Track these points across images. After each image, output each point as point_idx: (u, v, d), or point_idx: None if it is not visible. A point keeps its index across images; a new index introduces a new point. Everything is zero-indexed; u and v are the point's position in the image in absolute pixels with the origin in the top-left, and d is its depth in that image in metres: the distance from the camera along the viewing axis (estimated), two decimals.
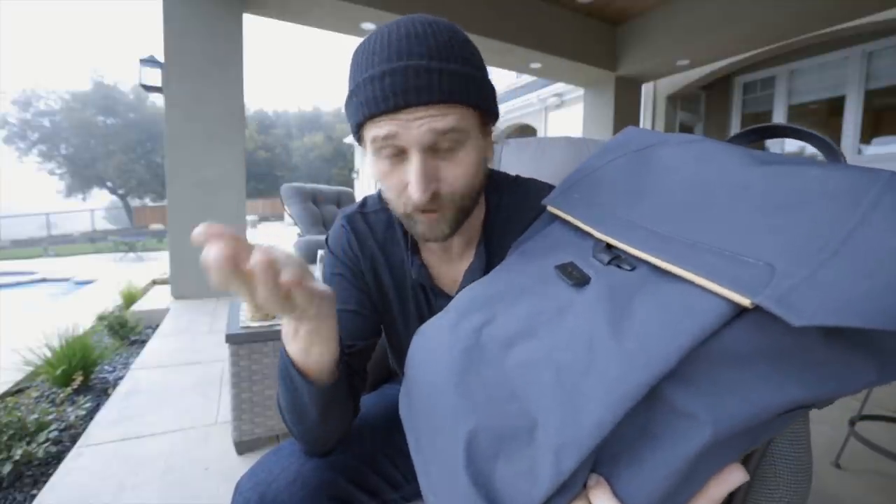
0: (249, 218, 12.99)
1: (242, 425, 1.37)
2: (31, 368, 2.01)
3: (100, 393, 1.92)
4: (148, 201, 23.60)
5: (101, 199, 25.02)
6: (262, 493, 0.48)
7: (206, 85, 3.21)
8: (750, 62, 4.74)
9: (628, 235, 0.32)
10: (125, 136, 22.65)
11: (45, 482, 1.26)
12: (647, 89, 5.64)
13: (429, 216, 0.47)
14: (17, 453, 1.32)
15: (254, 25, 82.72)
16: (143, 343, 2.57)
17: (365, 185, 15.66)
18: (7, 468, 1.29)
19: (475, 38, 0.48)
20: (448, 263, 0.58)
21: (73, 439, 1.49)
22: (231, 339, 1.31)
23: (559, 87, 7.01)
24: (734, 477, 0.25)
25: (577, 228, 0.39)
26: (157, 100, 12.62)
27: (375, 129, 0.44)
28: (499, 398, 0.29)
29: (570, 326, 0.29)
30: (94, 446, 1.42)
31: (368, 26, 3.80)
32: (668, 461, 0.23)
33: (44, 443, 1.41)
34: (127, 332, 2.68)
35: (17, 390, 1.95)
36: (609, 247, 0.33)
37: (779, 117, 5.18)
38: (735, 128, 5.69)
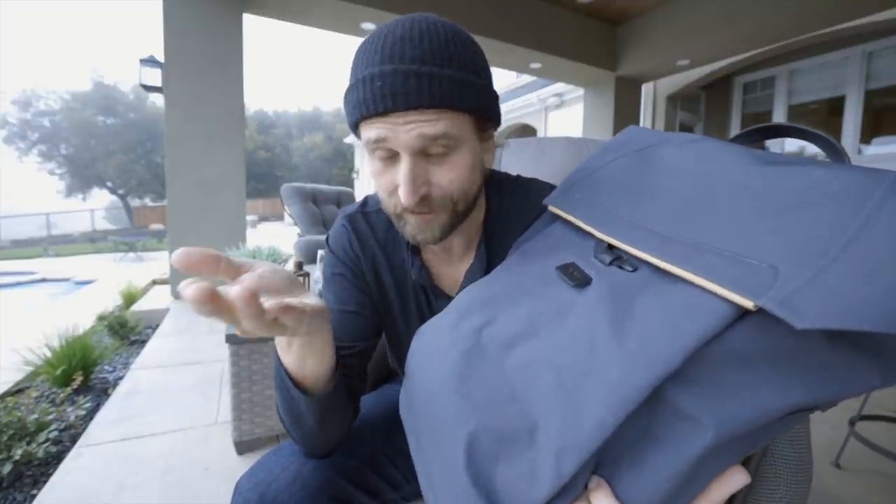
0: (249, 218, 12.99)
1: (242, 425, 1.37)
2: (31, 368, 2.01)
3: (100, 393, 1.92)
4: (148, 201, 23.61)
5: (101, 199, 25.04)
6: (262, 494, 0.47)
7: (206, 85, 3.21)
8: (750, 62, 4.74)
9: (630, 236, 0.31)
10: (125, 136, 22.66)
11: (45, 482, 1.26)
12: (647, 89, 5.64)
13: (419, 217, 0.47)
14: (17, 453, 1.32)
15: (254, 25, 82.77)
16: (143, 343, 2.57)
17: (365, 185, 15.65)
18: (7, 468, 1.28)
19: (475, 39, 0.48)
20: (448, 264, 0.58)
21: (73, 439, 1.49)
22: (231, 339, 1.31)
23: (559, 87, 7.01)
24: (736, 479, 0.25)
25: (578, 228, 0.38)
26: (157, 100, 12.62)
27: (368, 131, 0.44)
28: (499, 399, 0.29)
29: (572, 327, 0.29)
30: (94, 446, 1.42)
31: (368, 26, 3.80)
32: (669, 463, 0.23)
33: (44, 443, 1.41)
34: (127, 332, 2.68)
35: (17, 390, 1.95)
36: (611, 247, 0.33)
37: (779, 117, 5.18)
38: (735, 128, 5.69)
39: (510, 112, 8.43)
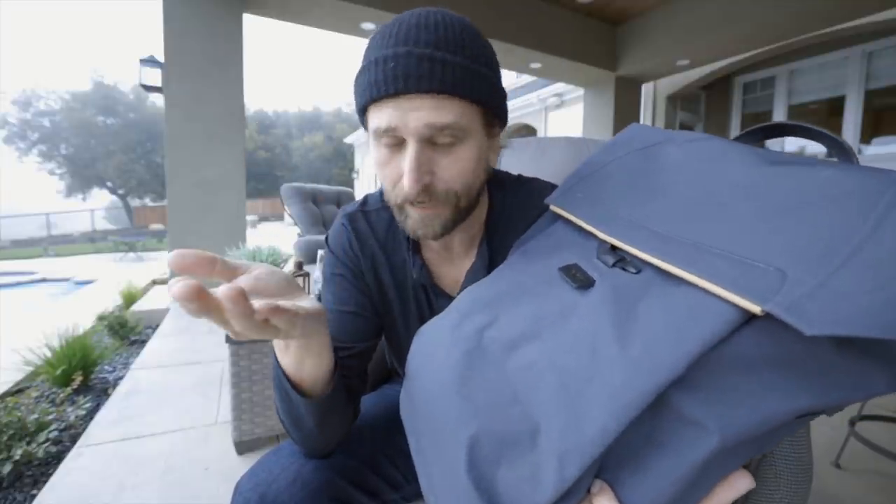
0: (249, 218, 12.99)
1: (242, 425, 1.37)
2: (31, 368, 2.01)
3: (100, 393, 1.92)
4: (148, 201, 23.60)
5: (101, 199, 25.02)
6: (262, 494, 0.47)
7: (206, 85, 3.20)
8: (750, 62, 4.74)
9: (633, 237, 0.31)
10: (125, 136, 22.66)
11: (45, 482, 1.25)
12: (647, 89, 5.64)
13: (421, 210, 0.46)
14: (17, 453, 1.32)
15: (254, 25, 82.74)
16: (143, 343, 2.57)
17: (365, 185, 15.65)
18: (7, 468, 1.28)
19: None
20: (449, 263, 0.57)
21: (73, 439, 1.49)
22: (231, 339, 1.31)
23: (559, 87, 7.00)
24: (741, 483, 0.25)
25: (580, 228, 0.38)
26: (157, 100, 12.60)
27: (377, 114, 0.44)
28: (501, 402, 0.29)
29: (574, 330, 0.28)
30: (94, 446, 1.42)
31: (368, 26, 3.80)
32: (674, 469, 0.23)
33: (44, 443, 1.41)
34: (127, 332, 2.68)
35: (17, 390, 1.95)
36: (614, 248, 0.33)
37: (779, 117, 5.17)
38: (735, 128, 5.69)
39: (510, 112, 8.37)
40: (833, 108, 4.75)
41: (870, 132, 4.54)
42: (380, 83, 0.42)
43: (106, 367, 2.21)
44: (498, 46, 4.18)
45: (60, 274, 6.94)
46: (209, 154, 3.24)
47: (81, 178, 22.71)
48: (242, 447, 1.38)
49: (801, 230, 0.23)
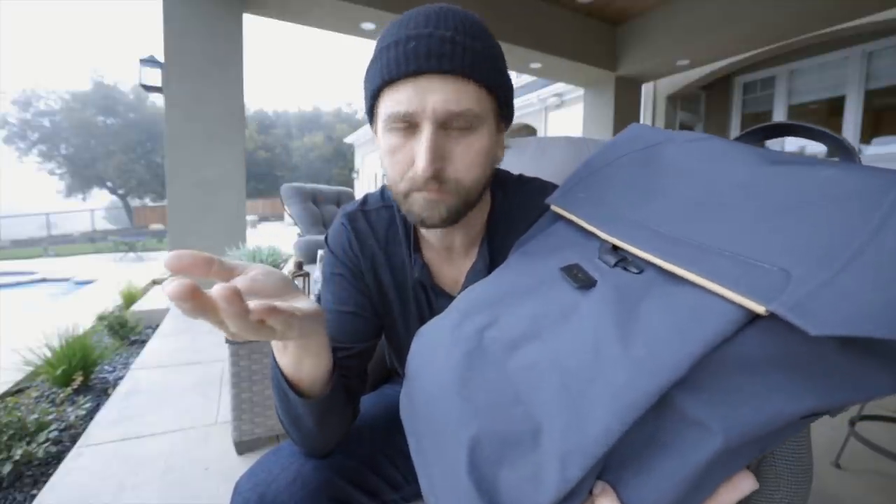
0: (249, 218, 12.99)
1: (242, 425, 1.37)
2: (31, 368, 2.01)
3: (100, 393, 1.92)
4: (148, 201, 23.60)
5: (101, 199, 25.02)
6: (261, 494, 0.47)
7: (206, 85, 3.20)
8: (750, 62, 4.74)
9: (635, 237, 0.31)
10: (125, 136, 22.66)
11: (45, 482, 1.25)
12: (647, 89, 5.64)
13: (428, 195, 0.45)
14: (17, 453, 1.32)
15: (254, 25, 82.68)
16: (143, 343, 2.57)
17: (365, 185, 15.65)
18: (7, 468, 1.28)
19: None
20: (450, 263, 0.57)
21: (73, 439, 1.49)
22: (231, 339, 1.31)
23: (559, 87, 7.00)
24: (744, 485, 0.25)
25: (581, 228, 0.38)
26: (157, 100, 12.61)
27: (392, 96, 0.43)
28: (502, 402, 0.28)
29: (576, 330, 0.28)
30: (94, 446, 1.42)
31: (368, 26, 3.80)
32: (677, 470, 0.23)
33: (44, 443, 1.41)
34: (127, 332, 2.68)
35: (17, 390, 1.94)
36: (615, 248, 0.32)
37: (779, 117, 5.17)
38: (735, 128, 5.69)
39: None
40: (833, 108, 4.75)
41: (870, 132, 4.54)
42: (400, 62, 0.42)
43: (106, 367, 2.21)
44: None
45: (60, 274, 6.94)
46: (209, 154, 3.24)
47: (81, 178, 22.71)
48: (242, 447, 1.38)
49: (803, 230, 0.23)
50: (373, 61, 0.45)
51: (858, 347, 0.21)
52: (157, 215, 18.87)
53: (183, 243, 3.18)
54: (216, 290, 0.25)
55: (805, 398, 0.22)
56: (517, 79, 9.05)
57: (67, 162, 22.55)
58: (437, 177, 0.44)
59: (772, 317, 0.21)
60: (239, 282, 0.31)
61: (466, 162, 0.45)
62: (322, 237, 2.88)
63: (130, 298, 3.53)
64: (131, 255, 9.08)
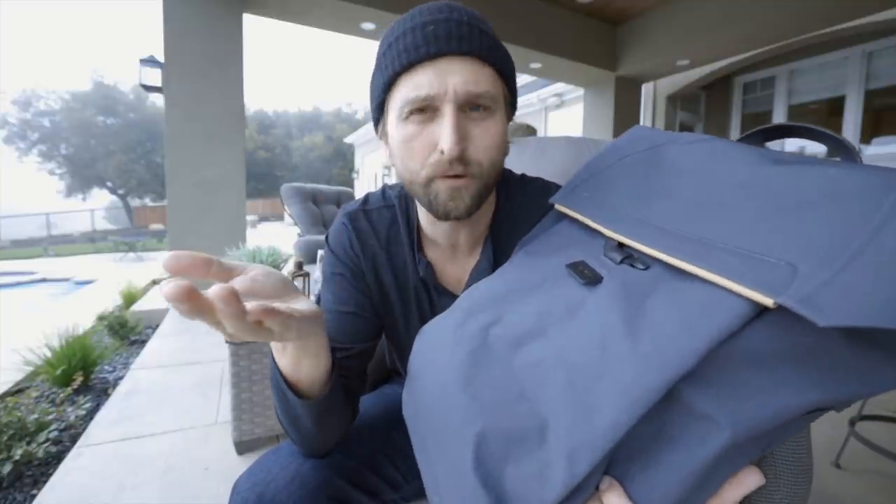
0: (249, 218, 12.99)
1: (242, 425, 1.37)
2: (31, 368, 2.00)
3: (100, 393, 1.92)
4: (148, 201, 23.60)
5: (101, 199, 25.03)
6: (260, 494, 0.47)
7: (206, 85, 3.20)
8: (750, 62, 4.74)
9: (641, 234, 0.31)
10: (125, 136, 22.67)
11: (45, 482, 1.25)
12: (647, 89, 5.64)
13: (453, 181, 0.45)
14: (17, 453, 1.32)
15: (254, 25, 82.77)
16: (143, 343, 2.57)
17: (365, 184, 15.65)
18: (7, 468, 1.28)
19: None
20: (453, 262, 0.57)
21: (73, 439, 1.49)
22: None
23: (559, 87, 7.00)
24: (750, 480, 0.25)
25: (586, 227, 0.38)
26: (157, 100, 12.62)
27: (410, 82, 0.44)
28: (507, 399, 0.28)
29: (582, 326, 0.28)
30: (94, 446, 1.42)
31: (368, 26, 3.80)
32: (684, 464, 0.23)
33: (44, 443, 1.41)
34: (127, 332, 2.68)
35: (17, 390, 1.94)
36: (621, 246, 0.32)
37: (779, 117, 5.18)
38: (735, 128, 5.69)
39: None
40: (833, 108, 4.75)
41: (870, 132, 4.54)
42: (419, 45, 0.42)
43: (106, 367, 2.21)
44: None
45: (60, 274, 6.94)
46: (209, 154, 3.24)
47: (81, 178, 22.72)
48: (242, 447, 1.38)
49: (809, 227, 0.23)
50: (387, 50, 0.45)
51: (865, 341, 0.21)
52: (157, 215, 18.87)
53: (183, 243, 3.18)
54: (213, 291, 0.25)
55: (811, 392, 0.22)
56: (517, 79, 9.06)
57: (67, 162, 22.56)
58: (461, 159, 0.44)
59: (779, 311, 0.21)
60: (238, 282, 0.31)
61: (486, 143, 0.45)
62: (322, 237, 2.88)
63: (130, 298, 3.53)
64: (131, 255, 9.08)
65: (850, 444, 1.36)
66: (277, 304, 0.29)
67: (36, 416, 1.50)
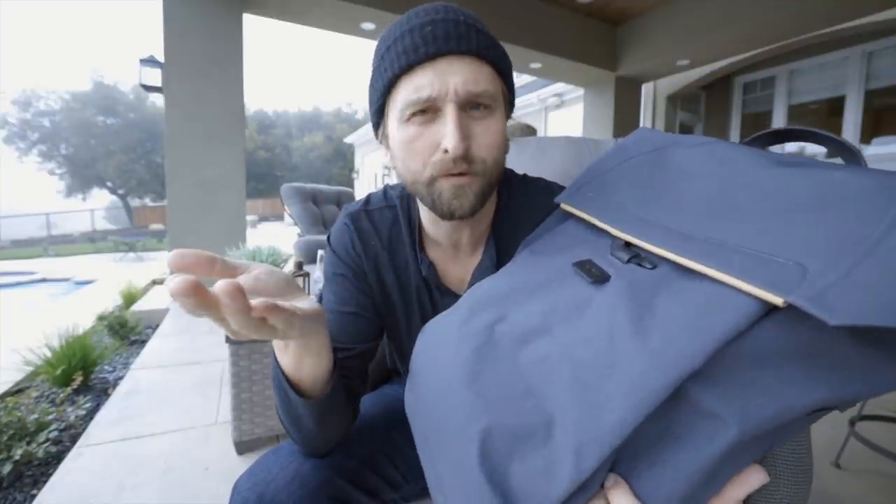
0: (249, 218, 12.99)
1: (242, 425, 1.37)
2: (31, 368, 2.00)
3: (100, 393, 1.92)
4: (148, 201, 23.62)
5: (101, 199, 25.03)
6: (260, 493, 0.47)
7: (206, 85, 3.21)
8: (750, 62, 4.74)
9: (648, 233, 0.31)
10: (125, 136, 22.68)
11: (45, 482, 1.25)
12: (647, 89, 5.64)
13: (457, 179, 0.45)
14: (17, 453, 1.32)
15: (254, 25, 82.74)
16: (143, 343, 2.57)
17: (365, 185, 15.65)
18: (7, 468, 1.28)
19: None
20: (455, 261, 0.57)
21: (73, 439, 1.49)
22: (231, 339, 1.31)
23: (559, 87, 7.00)
24: (754, 478, 0.25)
25: (592, 226, 0.38)
26: (157, 100, 12.61)
27: (410, 83, 0.44)
28: (513, 395, 0.28)
29: (589, 323, 0.28)
30: (94, 446, 1.42)
31: (368, 26, 3.80)
32: (691, 462, 0.23)
33: (44, 443, 1.41)
34: (127, 332, 2.68)
35: (17, 390, 1.94)
36: (628, 245, 0.33)
37: (779, 117, 5.18)
38: (735, 128, 5.69)
39: None
40: (833, 108, 4.75)
41: (870, 132, 4.54)
42: (418, 46, 0.43)
43: (106, 367, 2.21)
44: None
45: (60, 274, 6.94)
46: (209, 154, 3.24)
47: (81, 178, 22.73)
48: (242, 447, 1.38)
49: (817, 228, 0.24)
50: (385, 52, 0.45)
51: (873, 341, 0.21)
52: (157, 215, 18.88)
53: (183, 243, 3.18)
54: (219, 286, 0.25)
55: (817, 391, 0.22)
56: (517, 79, 9.06)
57: (67, 162, 22.58)
58: (465, 157, 0.44)
59: (787, 310, 0.21)
60: (241, 280, 0.31)
61: (488, 141, 0.46)
62: (322, 237, 2.89)
63: (130, 298, 3.53)
64: (131, 255, 9.08)
65: (850, 444, 1.36)
66: (281, 302, 0.29)
67: (36, 416, 1.50)
